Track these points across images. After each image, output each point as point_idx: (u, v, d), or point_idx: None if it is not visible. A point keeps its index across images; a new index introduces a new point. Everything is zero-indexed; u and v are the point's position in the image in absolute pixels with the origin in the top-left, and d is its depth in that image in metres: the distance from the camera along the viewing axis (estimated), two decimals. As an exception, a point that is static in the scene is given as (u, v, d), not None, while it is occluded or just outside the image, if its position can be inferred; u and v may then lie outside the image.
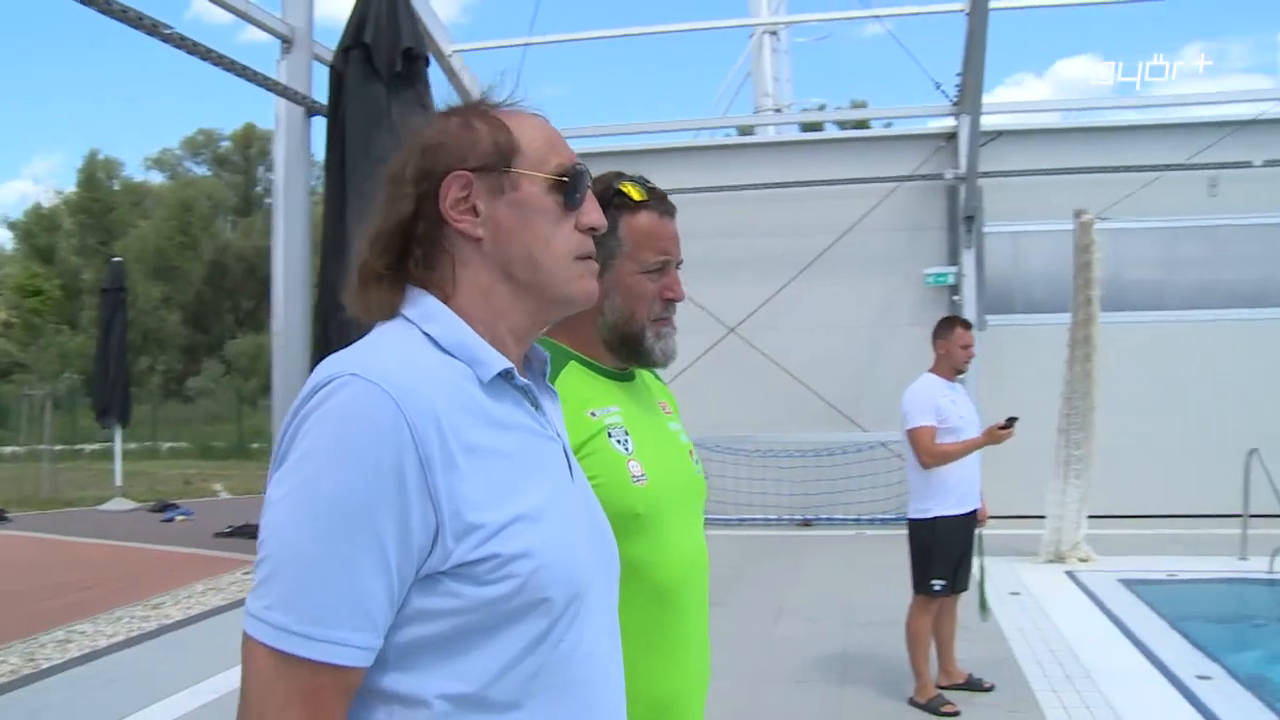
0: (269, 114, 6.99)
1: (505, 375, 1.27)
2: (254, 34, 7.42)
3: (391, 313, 1.29)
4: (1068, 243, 9.69)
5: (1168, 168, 11.01)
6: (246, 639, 1.10)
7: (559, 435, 1.37)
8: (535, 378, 1.39)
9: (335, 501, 1.08)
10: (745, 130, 14.73)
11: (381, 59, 4.31)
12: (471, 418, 1.19)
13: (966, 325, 5.63)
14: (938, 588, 5.42)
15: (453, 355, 1.24)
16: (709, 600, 1.93)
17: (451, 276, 1.30)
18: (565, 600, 1.21)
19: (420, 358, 1.22)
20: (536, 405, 1.33)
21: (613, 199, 1.84)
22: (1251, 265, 11.88)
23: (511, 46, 10.96)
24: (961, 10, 10.30)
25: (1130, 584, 8.05)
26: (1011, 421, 5.32)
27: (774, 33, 13.25)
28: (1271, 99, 11.44)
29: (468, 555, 1.13)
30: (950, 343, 5.57)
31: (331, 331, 4.22)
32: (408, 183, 1.28)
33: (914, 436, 5.44)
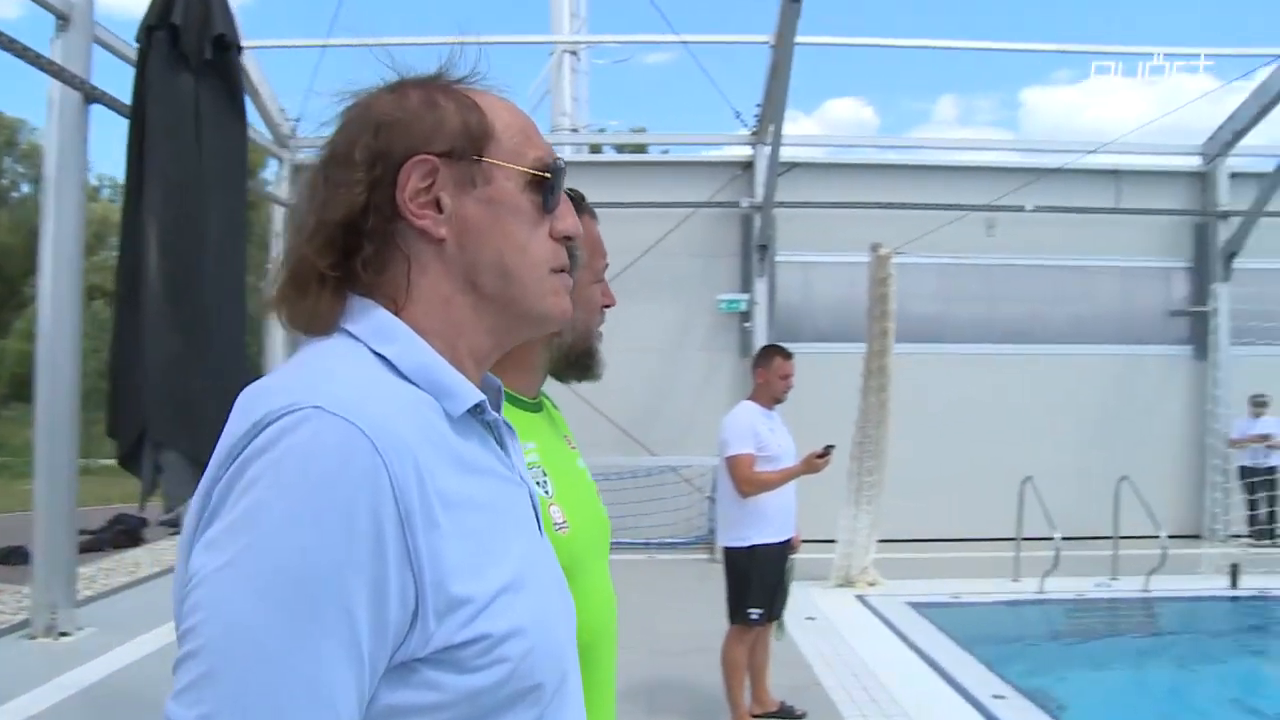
0: (17, 101, 6.38)
1: (474, 409, 1.04)
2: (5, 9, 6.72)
3: (329, 325, 1.04)
4: (855, 274, 9.96)
5: (950, 208, 11.53)
6: None
7: (524, 479, 1.14)
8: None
9: (296, 572, 0.83)
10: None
11: (190, 44, 3.88)
12: (443, 461, 0.95)
13: (787, 355, 5.61)
14: (754, 616, 5.36)
15: (412, 382, 1.00)
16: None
17: (405, 283, 1.05)
18: (555, 683, 1.01)
19: (384, 386, 0.98)
20: (501, 444, 1.11)
21: None
22: (1023, 303, 12.63)
23: (307, 47, 10.43)
24: (766, 42, 10.49)
25: (918, 607, 8.32)
26: (828, 450, 5.33)
27: (574, 53, 13.18)
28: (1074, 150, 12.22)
29: (453, 637, 0.90)
30: (770, 372, 5.54)
31: (127, 337, 3.73)
32: (358, 166, 1.03)
33: (733, 464, 5.36)
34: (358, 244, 1.03)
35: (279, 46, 10.79)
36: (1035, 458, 10.56)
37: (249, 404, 0.92)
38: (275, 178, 11.67)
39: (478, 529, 0.95)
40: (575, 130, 14.14)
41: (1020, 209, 11.76)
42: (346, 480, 0.85)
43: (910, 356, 10.94)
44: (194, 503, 0.92)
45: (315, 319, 1.03)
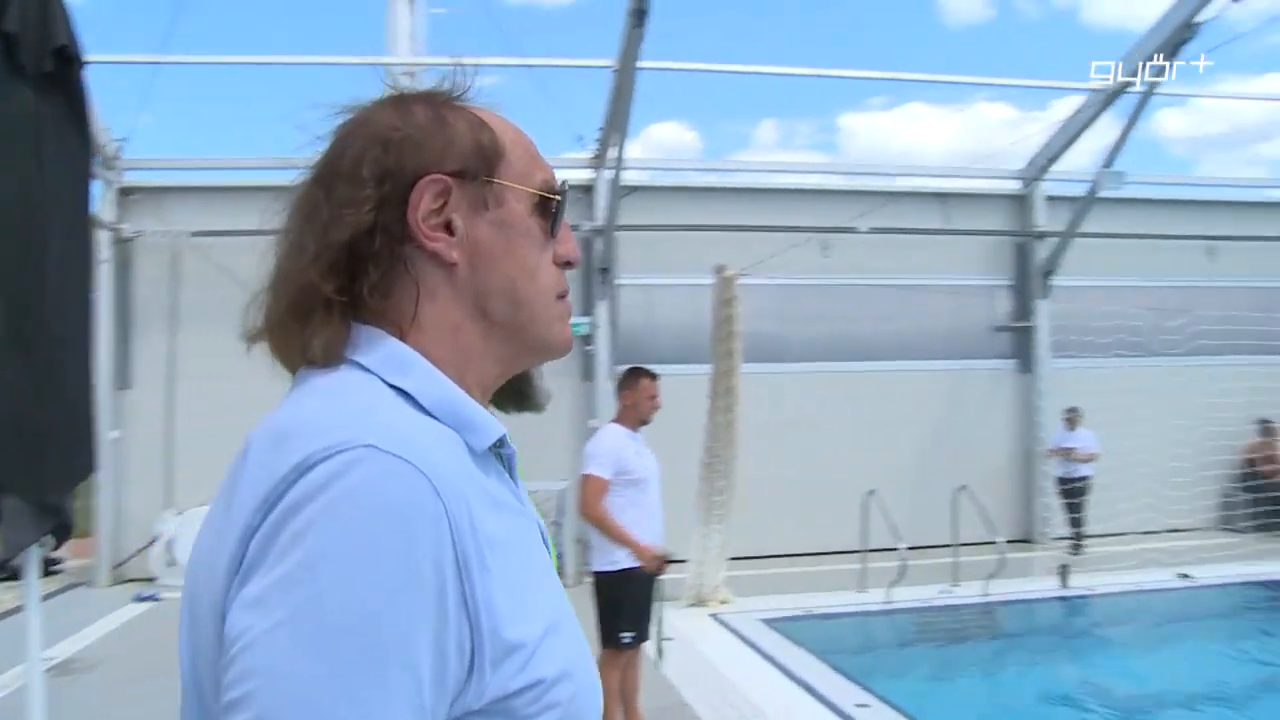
0: None
1: (496, 443, 0.99)
2: None
3: (335, 356, 0.95)
4: (696, 296, 10.05)
5: (788, 229, 11.83)
6: None
7: (532, 513, 1.09)
8: None
9: (360, 630, 0.76)
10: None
11: (29, 54, 3.60)
12: (480, 499, 0.89)
13: (653, 376, 5.61)
14: (626, 640, 5.32)
15: (433, 417, 0.93)
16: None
17: (413, 310, 0.98)
18: None
19: (419, 422, 0.91)
20: (512, 477, 1.06)
21: None
22: (857, 322, 13.01)
23: (140, 64, 9.96)
24: (608, 66, 10.53)
25: (772, 622, 8.43)
26: (666, 560, 5.34)
27: (411, 75, 12.88)
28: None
29: (509, 685, 0.84)
30: (637, 394, 5.53)
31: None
32: (366, 183, 0.96)
33: (582, 482, 5.35)
34: (362, 267, 0.96)
35: (106, 62, 10.24)
36: (877, 471, 10.84)
37: (277, 444, 0.84)
38: (100, 201, 11.07)
39: (516, 569, 0.89)
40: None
41: (854, 230, 12.13)
42: (410, 526, 0.79)
43: (751, 376, 11.12)
44: (220, 555, 0.83)
45: (320, 350, 0.95)
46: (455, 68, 1.08)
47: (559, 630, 0.91)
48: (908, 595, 9.08)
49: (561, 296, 1.08)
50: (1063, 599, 9.55)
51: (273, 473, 0.81)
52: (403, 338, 0.97)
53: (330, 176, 0.98)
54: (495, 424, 0.98)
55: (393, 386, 0.93)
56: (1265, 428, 13.40)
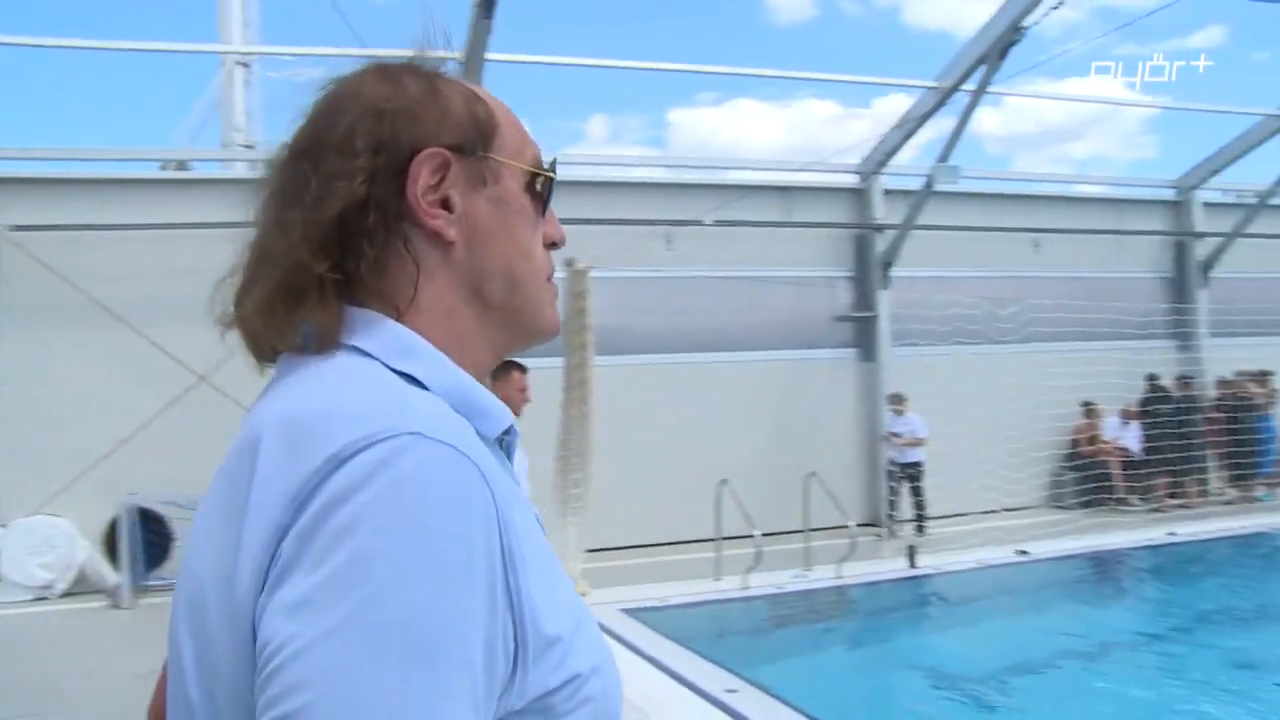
0: None
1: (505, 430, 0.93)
2: None
3: (330, 341, 0.87)
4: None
5: (635, 223, 11.88)
6: None
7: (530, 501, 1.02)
8: None
9: (421, 631, 0.69)
10: (182, 165, 13.42)
11: None
12: (507, 489, 0.83)
13: (523, 369, 5.54)
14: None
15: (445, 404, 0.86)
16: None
17: (411, 291, 0.91)
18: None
19: (446, 408, 0.83)
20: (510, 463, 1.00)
21: None
22: (702, 314, 13.14)
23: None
24: (454, 58, 10.32)
25: (633, 612, 8.41)
26: None
27: (246, 64, 12.47)
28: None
29: (548, 681, 0.79)
30: (508, 387, 5.45)
31: None
32: (359, 154, 0.88)
33: None
34: (354, 244, 0.88)
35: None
36: (728, 460, 11.00)
37: (298, 435, 0.76)
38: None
39: (542, 561, 0.84)
40: (250, 146, 13.34)
41: (699, 224, 12.25)
42: (465, 517, 0.73)
43: (598, 370, 11.11)
44: (238, 561, 0.75)
45: (316, 334, 0.87)
46: (427, 32, 1.02)
47: (584, 624, 0.86)
48: (763, 581, 9.20)
49: (549, 278, 1.03)
50: (912, 579, 9.84)
51: (300, 467, 0.74)
52: (399, 320, 0.90)
53: (318, 149, 0.90)
54: (506, 410, 0.92)
55: (398, 372, 0.85)
56: (1089, 410, 14.16)
